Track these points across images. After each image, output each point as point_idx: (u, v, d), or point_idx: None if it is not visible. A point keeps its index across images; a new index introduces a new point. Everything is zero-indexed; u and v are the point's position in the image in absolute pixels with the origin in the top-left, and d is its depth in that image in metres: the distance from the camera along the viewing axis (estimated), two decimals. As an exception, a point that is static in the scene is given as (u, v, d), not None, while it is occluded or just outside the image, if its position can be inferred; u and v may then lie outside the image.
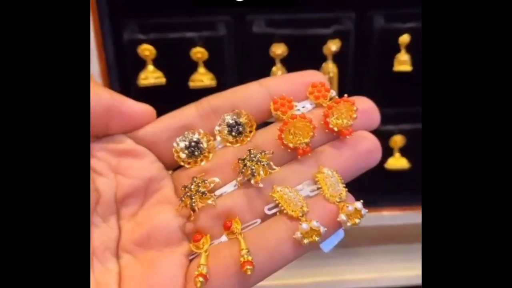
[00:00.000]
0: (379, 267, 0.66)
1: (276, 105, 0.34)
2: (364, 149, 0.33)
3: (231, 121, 0.34)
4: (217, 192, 0.33)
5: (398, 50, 0.59)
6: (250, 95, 0.35)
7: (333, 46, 0.59)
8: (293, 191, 0.32)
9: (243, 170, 0.32)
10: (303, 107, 0.34)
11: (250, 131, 0.34)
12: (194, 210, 0.32)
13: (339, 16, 0.60)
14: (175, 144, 0.34)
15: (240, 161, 0.33)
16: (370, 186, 0.66)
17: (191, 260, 0.33)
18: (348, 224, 0.31)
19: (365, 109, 0.34)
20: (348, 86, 0.61)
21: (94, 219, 0.33)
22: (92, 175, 0.33)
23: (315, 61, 0.59)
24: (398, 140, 0.63)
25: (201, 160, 0.34)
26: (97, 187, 0.33)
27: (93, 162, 0.33)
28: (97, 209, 0.33)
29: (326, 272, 0.66)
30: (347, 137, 0.33)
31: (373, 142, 0.33)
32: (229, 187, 0.33)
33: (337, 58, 0.59)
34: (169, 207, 0.33)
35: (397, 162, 0.63)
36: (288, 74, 0.36)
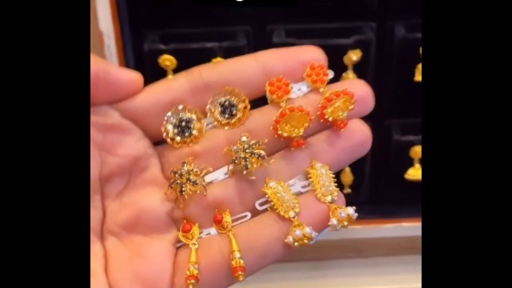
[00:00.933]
0: (398, 278, 0.66)
1: (273, 88, 0.32)
2: (357, 141, 0.32)
3: (224, 102, 0.33)
4: (207, 178, 0.32)
5: (419, 60, 0.58)
6: (244, 70, 0.32)
7: (353, 56, 0.58)
8: (286, 189, 0.32)
9: (236, 161, 0.32)
10: (299, 89, 0.33)
11: (243, 113, 0.33)
12: (183, 198, 0.32)
13: (359, 26, 0.59)
14: (164, 122, 0.32)
15: (233, 150, 0.32)
16: (390, 197, 0.65)
17: (178, 248, 0.32)
18: (338, 227, 0.31)
19: (361, 95, 0.32)
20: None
21: None
22: None
23: (335, 71, 0.58)
24: (418, 151, 0.62)
25: (191, 141, 0.33)
26: None
27: None
28: None
29: (344, 283, 0.65)
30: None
31: (365, 134, 0.33)
32: (219, 174, 0.33)
33: (358, 68, 0.59)
34: (157, 189, 0.33)
35: (417, 172, 0.63)
36: (285, 50, 0.34)
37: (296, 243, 0.31)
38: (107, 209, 0.32)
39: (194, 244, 0.31)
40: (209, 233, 0.32)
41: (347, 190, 0.64)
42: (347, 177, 0.63)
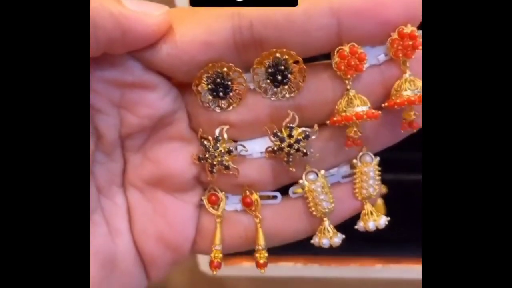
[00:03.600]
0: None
1: (342, 63, 0.26)
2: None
3: (274, 65, 0.27)
4: (240, 149, 0.29)
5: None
6: (312, 27, 0.25)
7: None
8: (324, 186, 0.29)
9: (278, 152, 0.28)
10: (377, 56, 0.27)
11: (295, 82, 0.27)
12: (213, 175, 0.29)
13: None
14: (196, 81, 0.28)
15: (275, 138, 0.28)
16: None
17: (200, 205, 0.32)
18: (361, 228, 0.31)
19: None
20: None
21: (97, 157, 0.29)
22: (91, 111, 0.27)
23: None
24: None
25: (228, 105, 0.28)
26: (97, 126, 0.28)
27: (91, 97, 0.27)
28: (98, 148, 0.29)
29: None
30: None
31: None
32: (254, 151, 0.29)
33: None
34: (182, 146, 0.29)
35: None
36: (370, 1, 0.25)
37: (321, 246, 0.30)
38: (128, 161, 0.30)
39: (220, 216, 0.31)
40: (234, 204, 0.31)
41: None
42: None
